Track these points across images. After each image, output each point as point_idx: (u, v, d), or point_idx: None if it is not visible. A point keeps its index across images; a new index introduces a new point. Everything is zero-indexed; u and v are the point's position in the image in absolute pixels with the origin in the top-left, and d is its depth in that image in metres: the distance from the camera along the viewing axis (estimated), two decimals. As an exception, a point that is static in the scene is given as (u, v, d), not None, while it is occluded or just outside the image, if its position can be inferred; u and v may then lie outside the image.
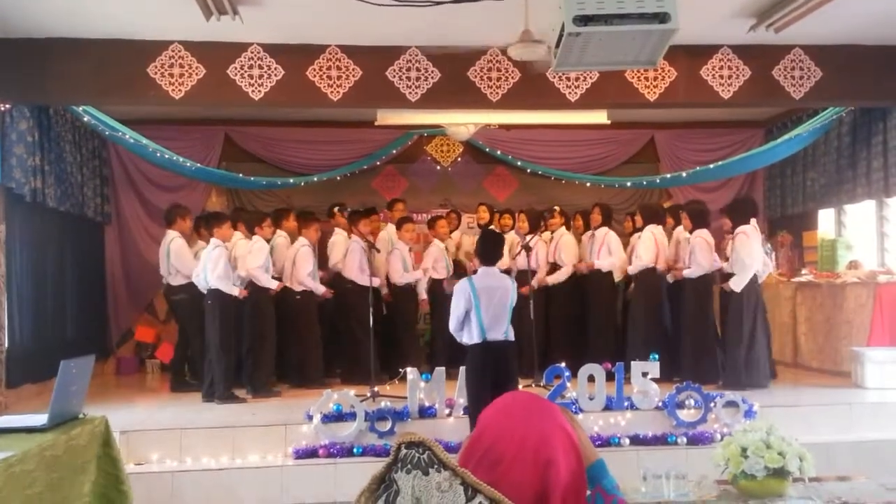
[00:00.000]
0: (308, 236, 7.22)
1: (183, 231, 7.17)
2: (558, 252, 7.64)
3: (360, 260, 7.19)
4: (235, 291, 6.38)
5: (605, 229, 7.53)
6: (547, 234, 7.88)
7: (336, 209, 7.43)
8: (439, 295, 7.62)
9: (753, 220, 6.66)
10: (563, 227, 7.80)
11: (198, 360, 6.88)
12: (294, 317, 7.08)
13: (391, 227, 7.90)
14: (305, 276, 7.02)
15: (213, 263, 6.28)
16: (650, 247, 7.05)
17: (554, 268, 7.68)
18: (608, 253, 7.41)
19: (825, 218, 8.52)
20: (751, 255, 6.40)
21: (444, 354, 7.29)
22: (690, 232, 6.94)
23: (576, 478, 1.57)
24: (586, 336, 7.45)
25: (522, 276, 7.12)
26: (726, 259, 6.71)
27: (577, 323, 7.55)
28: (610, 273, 7.48)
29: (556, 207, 7.78)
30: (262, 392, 6.60)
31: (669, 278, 7.08)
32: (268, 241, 6.96)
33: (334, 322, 7.48)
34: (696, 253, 6.74)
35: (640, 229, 7.28)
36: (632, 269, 7.20)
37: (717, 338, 6.91)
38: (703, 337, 6.77)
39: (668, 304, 7.14)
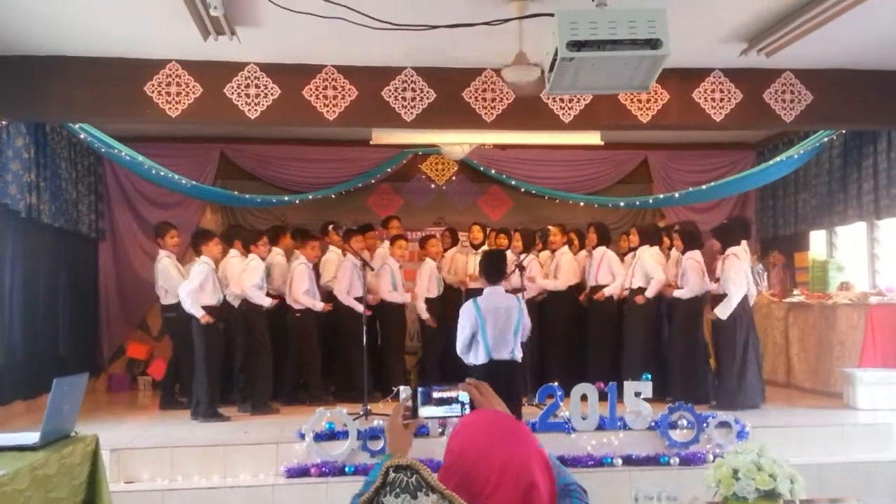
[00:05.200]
0: (305, 254, 7.20)
1: (170, 248, 7.11)
2: (558, 271, 7.62)
3: (349, 279, 7.17)
4: (199, 313, 6.22)
5: (602, 249, 7.55)
6: (545, 253, 7.90)
7: (330, 227, 7.45)
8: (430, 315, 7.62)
9: (744, 243, 6.67)
10: (565, 246, 7.80)
11: (187, 378, 6.86)
12: (293, 335, 7.08)
13: (387, 244, 7.87)
14: (302, 294, 6.99)
15: (190, 279, 6.35)
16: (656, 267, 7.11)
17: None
18: (609, 273, 7.41)
19: (817, 239, 8.58)
20: (737, 282, 6.43)
21: (435, 373, 7.29)
22: (682, 253, 6.98)
23: (552, 497, 1.62)
24: (584, 355, 7.44)
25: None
26: (716, 280, 6.72)
27: (574, 342, 7.52)
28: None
29: (550, 227, 7.80)
30: (262, 409, 6.57)
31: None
32: (263, 259, 6.96)
33: (328, 340, 7.46)
34: (688, 274, 6.79)
35: (635, 248, 7.31)
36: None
37: (707, 358, 6.94)
38: (693, 358, 6.81)
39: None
